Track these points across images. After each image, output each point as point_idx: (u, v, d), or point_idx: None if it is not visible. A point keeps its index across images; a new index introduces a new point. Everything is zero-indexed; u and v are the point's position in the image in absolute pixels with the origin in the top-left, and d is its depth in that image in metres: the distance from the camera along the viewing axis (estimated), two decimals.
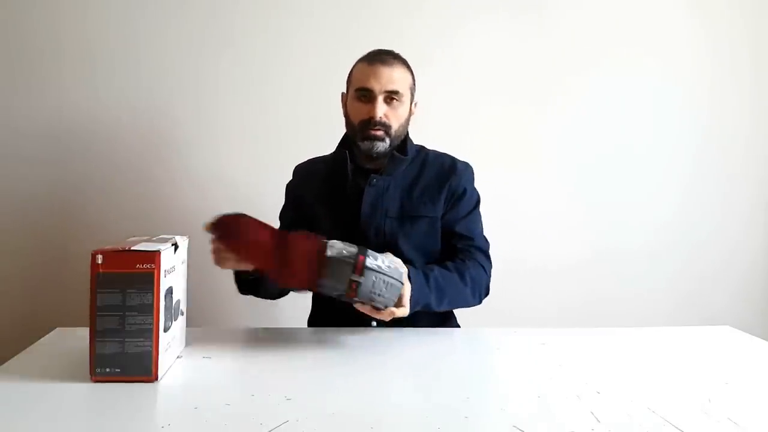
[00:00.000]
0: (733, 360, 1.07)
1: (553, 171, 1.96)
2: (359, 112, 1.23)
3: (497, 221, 1.87)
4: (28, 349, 1.03)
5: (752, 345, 1.17)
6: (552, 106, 1.94)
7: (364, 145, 1.23)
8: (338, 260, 0.95)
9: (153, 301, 0.87)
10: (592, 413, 0.79)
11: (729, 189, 2.03)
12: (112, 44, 1.79)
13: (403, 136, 1.28)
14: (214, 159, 1.84)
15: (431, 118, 1.84)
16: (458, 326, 1.35)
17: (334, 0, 1.85)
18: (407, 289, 1.04)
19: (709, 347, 1.15)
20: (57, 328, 1.15)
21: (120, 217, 1.80)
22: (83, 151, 1.80)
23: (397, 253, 1.21)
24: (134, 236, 0.99)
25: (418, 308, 1.10)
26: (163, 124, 1.82)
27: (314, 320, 1.38)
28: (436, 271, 1.17)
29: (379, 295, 0.97)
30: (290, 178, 1.42)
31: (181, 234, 1.02)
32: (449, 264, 1.22)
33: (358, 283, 0.95)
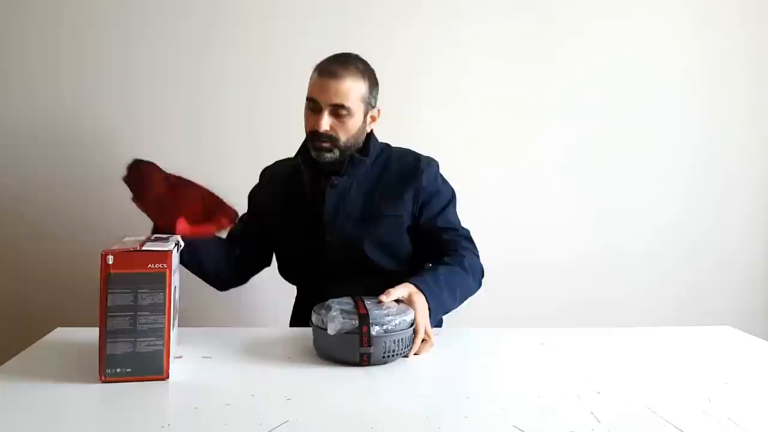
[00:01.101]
0: (733, 360, 1.07)
1: (553, 171, 1.95)
2: (308, 121, 1.24)
3: (497, 221, 1.88)
4: (28, 349, 1.03)
5: (752, 345, 1.17)
6: (552, 107, 1.93)
7: (314, 153, 1.24)
8: (342, 337, 0.95)
9: (165, 300, 0.87)
10: (592, 413, 0.79)
11: (729, 189, 2.03)
12: (111, 44, 1.79)
13: (358, 144, 1.27)
14: (213, 159, 1.84)
15: (432, 119, 1.84)
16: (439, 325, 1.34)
17: (334, 1, 1.84)
18: (423, 308, 1.05)
19: (709, 347, 1.15)
20: (57, 328, 1.15)
21: (120, 217, 1.78)
22: (83, 151, 1.80)
23: (362, 254, 1.25)
24: (127, 236, 0.99)
25: (440, 315, 1.11)
26: (163, 124, 1.82)
27: (296, 321, 1.39)
28: (441, 269, 1.18)
29: (393, 354, 0.97)
30: None
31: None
32: (447, 259, 1.23)
33: (369, 354, 0.95)
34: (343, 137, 1.22)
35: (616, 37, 1.94)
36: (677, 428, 0.75)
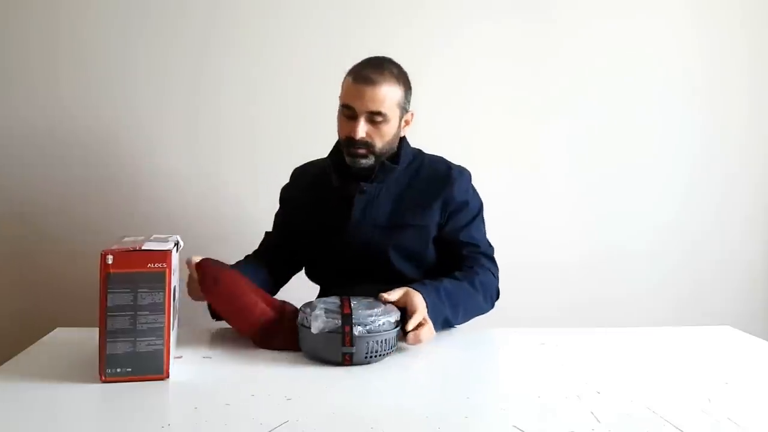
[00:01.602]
0: (733, 360, 1.07)
1: (552, 171, 1.95)
2: (343, 127, 1.23)
3: (497, 222, 1.87)
4: (28, 349, 1.03)
5: (752, 345, 1.17)
6: (553, 107, 1.93)
7: (348, 160, 1.23)
8: (324, 337, 0.96)
9: (164, 300, 0.87)
10: (592, 413, 0.79)
11: (729, 189, 2.03)
12: (110, 44, 1.79)
13: (392, 150, 1.27)
14: (213, 160, 1.84)
15: (433, 120, 1.84)
16: None
17: (334, 1, 1.84)
18: (422, 305, 1.05)
19: (709, 347, 1.15)
20: (57, 328, 1.15)
21: (120, 218, 1.80)
22: (83, 151, 1.80)
23: (386, 261, 1.24)
24: (126, 236, 0.99)
25: (437, 328, 1.10)
26: (162, 124, 1.82)
27: None
28: (446, 282, 1.16)
29: (376, 354, 0.97)
30: (287, 179, 1.43)
31: (174, 233, 1.02)
32: (458, 274, 1.21)
33: (351, 354, 0.95)
34: (378, 143, 1.22)
35: (616, 38, 1.94)
36: (677, 428, 0.75)
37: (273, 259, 1.34)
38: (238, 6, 1.82)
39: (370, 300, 1.05)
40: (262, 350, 1.04)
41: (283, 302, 1.11)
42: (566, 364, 1.00)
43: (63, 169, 1.79)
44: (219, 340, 1.10)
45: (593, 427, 0.75)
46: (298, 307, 1.05)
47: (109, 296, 0.85)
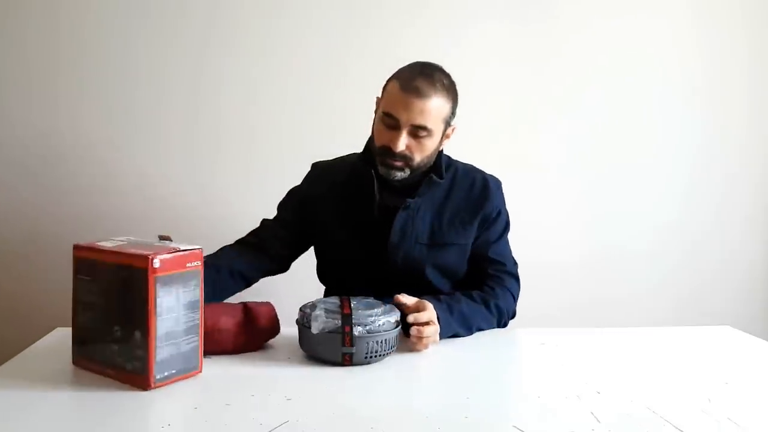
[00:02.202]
0: (733, 360, 1.07)
1: (553, 171, 1.95)
2: (382, 136, 1.16)
3: None
4: (28, 349, 1.03)
5: (752, 345, 1.17)
6: (553, 107, 1.93)
7: (382, 169, 1.17)
8: (324, 337, 0.96)
9: (200, 296, 0.88)
10: (592, 413, 0.79)
11: (729, 189, 2.03)
12: (110, 45, 1.78)
13: (430, 164, 1.20)
14: (212, 160, 1.84)
15: None
16: None
17: (336, 1, 1.84)
18: (433, 310, 1.05)
19: (709, 347, 1.15)
20: (57, 328, 1.15)
21: (120, 218, 1.80)
22: (82, 152, 1.79)
23: (424, 280, 1.20)
24: (110, 238, 0.96)
25: (444, 336, 1.09)
26: (161, 124, 1.81)
27: None
28: (463, 304, 1.15)
29: (376, 354, 0.97)
30: (286, 180, 1.36)
31: (174, 233, 1.02)
32: (475, 294, 1.19)
33: (351, 354, 0.95)
34: (417, 157, 1.15)
35: (617, 38, 1.94)
36: (677, 428, 0.75)
37: (268, 249, 1.26)
38: (238, 6, 1.81)
39: (370, 300, 1.05)
40: (261, 350, 1.05)
41: (242, 303, 1.07)
42: (566, 364, 1.00)
43: (62, 170, 1.79)
44: None
45: (593, 427, 0.75)
46: (298, 308, 1.05)
47: (158, 300, 0.83)
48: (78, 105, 1.79)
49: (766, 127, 2.03)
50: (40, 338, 1.09)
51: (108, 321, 0.86)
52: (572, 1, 1.92)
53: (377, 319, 0.97)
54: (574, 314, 1.92)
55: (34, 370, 0.92)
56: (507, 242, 1.31)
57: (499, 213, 1.27)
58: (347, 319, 0.95)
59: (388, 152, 1.14)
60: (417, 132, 1.13)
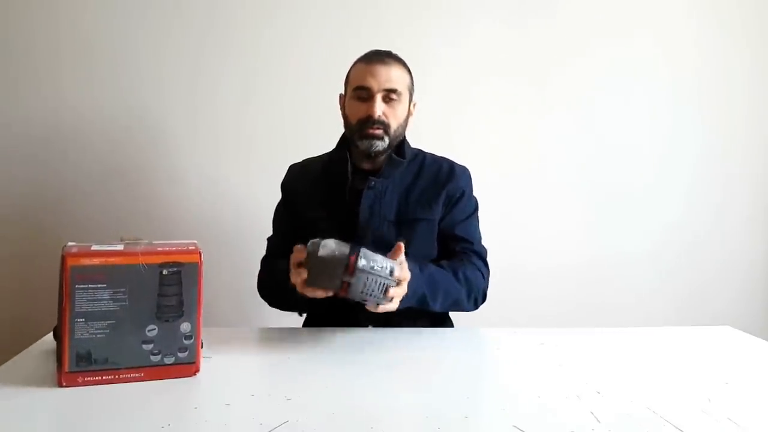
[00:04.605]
0: (733, 360, 1.07)
1: (553, 172, 1.95)
2: (357, 110, 1.23)
3: (498, 222, 1.88)
4: (27, 349, 1.03)
5: (752, 345, 1.17)
6: (553, 108, 1.94)
7: (363, 143, 1.22)
8: (330, 260, 0.95)
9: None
10: (592, 413, 0.79)
11: (729, 189, 2.03)
12: (110, 45, 1.79)
13: (401, 137, 1.28)
14: (212, 160, 1.84)
15: (432, 120, 1.84)
16: (452, 326, 1.34)
17: (334, 1, 1.84)
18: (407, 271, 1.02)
19: (709, 347, 1.15)
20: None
21: (119, 218, 1.80)
22: (82, 152, 1.80)
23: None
24: (70, 242, 1.00)
25: (412, 303, 1.08)
26: (162, 125, 1.82)
27: (310, 321, 1.38)
28: (431, 266, 1.17)
29: (370, 295, 0.97)
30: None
31: (174, 233, 1.02)
32: (443, 263, 1.22)
33: (349, 284, 0.95)
34: (393, 124, 1.23)
35: (617, 38, 1.95)
36: (677, 428, 0.75)
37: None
38: (236, 6, 1.82)
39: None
40: (261, 350, 1.04)
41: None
42: (566, 364, 1.00)
43: (62, 170, 1.79)
44: (219, 340, 1.10)
45: (593, 427, 0.75)
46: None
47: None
48: (77, 106, 1.79)
49: (766, 127, 2.03)
50: (40, 338, 1.09)
51: (138, 323, 0.87)
52: (573, 1, 1.92)
53: (383, 262, 0.97)
54: (574, 314, 1.93)
55: (34, 370, 0.92)
56: (476, 225, 1.33)
57: (463, 193, 1.30)
58: (354, 249, 0.96)
59: (367, 121, 1.21)
60: (389, 96, 1.21)
